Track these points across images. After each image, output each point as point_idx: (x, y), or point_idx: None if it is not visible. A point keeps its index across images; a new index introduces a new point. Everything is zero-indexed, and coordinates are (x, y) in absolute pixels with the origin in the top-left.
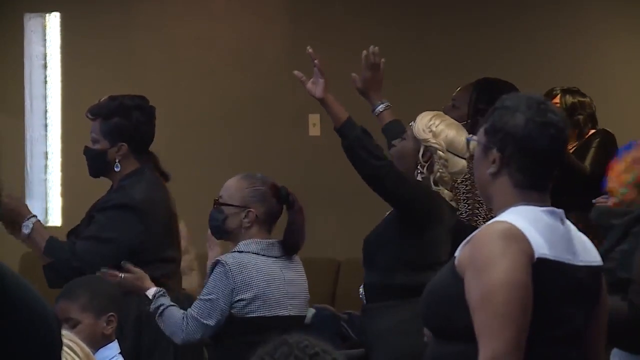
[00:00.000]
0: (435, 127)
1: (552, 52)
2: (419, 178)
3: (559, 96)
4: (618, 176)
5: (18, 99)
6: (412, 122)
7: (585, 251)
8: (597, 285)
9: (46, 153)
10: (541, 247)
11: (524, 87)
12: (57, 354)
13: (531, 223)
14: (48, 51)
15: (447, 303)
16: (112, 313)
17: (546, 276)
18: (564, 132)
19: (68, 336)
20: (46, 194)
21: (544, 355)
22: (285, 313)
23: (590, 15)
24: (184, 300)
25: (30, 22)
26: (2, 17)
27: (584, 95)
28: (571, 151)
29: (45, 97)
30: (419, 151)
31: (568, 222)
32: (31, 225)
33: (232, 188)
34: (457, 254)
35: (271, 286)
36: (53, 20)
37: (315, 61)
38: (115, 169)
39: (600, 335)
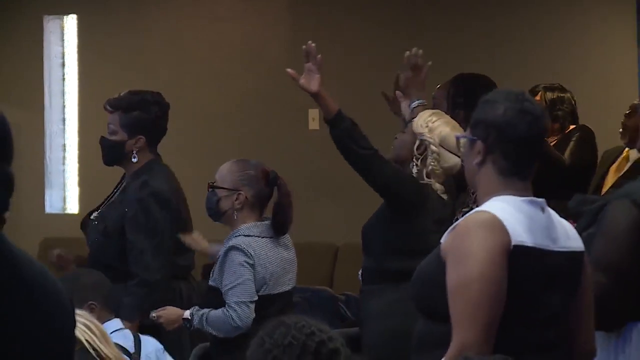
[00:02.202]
0: (432, 123)
1: (534, 50)
2: (414, 170)
3: (540, 93)
4: None
5: (38, 95)
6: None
7: (567, 237)
8: (579, 269)
9: (64, 145)
10: (519, 235)
11: (509, 83)
12: (71, 334)
13: (511, 212)
14: (66, 51)
15: (432, 287)
16: (92, 302)
17: (524, 261)
18: (541, 120)
19: (85, 316)
20: (64, 183)
21: (522, 336)
22: (287, 288)
23: (571, 11)
24: (202, 285)
25: (49, 24)
26: (23, 20)
27: (564, 91)
28: (552, 144)
29: (63, 93)
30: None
31: (549, 210)
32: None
33: (225, 172)
34: (442, 240)
35: (275, 265)
36: (70, 22)
37: (319, 56)
38: (133, 159)
39: (584, 316)
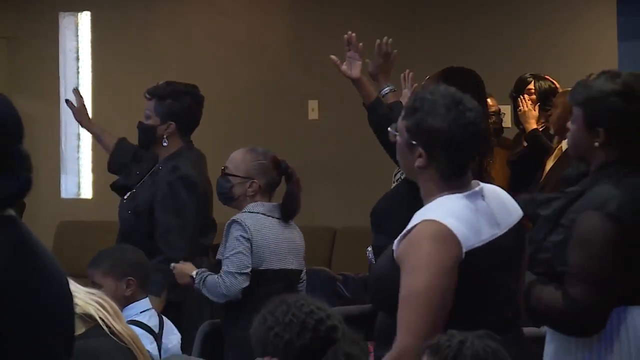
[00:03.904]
0: None
1: (520, 44)
2: None
3: (532, 82)
4: None
5: (54, 87)
6: None
7: (507, 213)
8: (522, 239)
9: (78, 134)
10: (468, 240)
11: (497, 74)
12: (71, 312)
13: (457, 216)
14: (80, 45)
15: (387, 287)
16: (131, 277)
17: (476, 261)
18: (481, 124)
19: (99, 294)
20: (79, 170)
21: (481, 321)
22: (290, 267)
23: (555, 7)
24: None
25: (65, 20)
26: (40, 16)
27: (552, 82)
28: (541, 130)
29: (77, 85)
30: None
31: (489, 193)
32: None
33: (238, 160)
34: (394, 246)
35: (278, 242)
36: (84, 19)
37: (360, 45)
38: (163, 144)
39: (521, 287)
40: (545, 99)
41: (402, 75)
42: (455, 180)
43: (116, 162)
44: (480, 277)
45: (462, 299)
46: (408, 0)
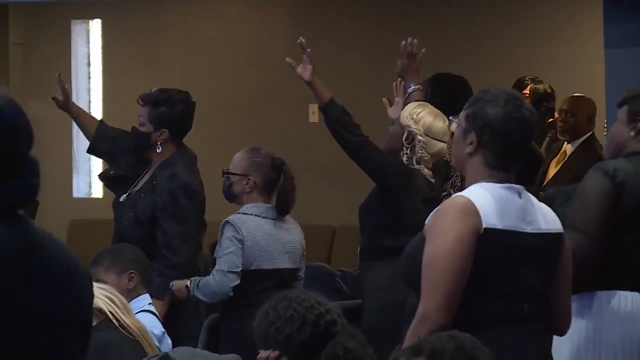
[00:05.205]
0: (416, 115)
1: (510, 49)
2: (404, 158)
3: (529, 86)
4: None
5: None
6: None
7: (545, 220)
8: (556, 249)
9: None
10: (491, 218)
11: (488, 76)
12: (89, 306)
13: (487, 198)
14: (91, 52)
15: (417, 264)
16: (132, 271)
17: (495, 242)
18: (534, 125)
19: (109, 289)
20: (90, 170)
21: (497, 308)
22: (282, 266)
23: (542, 11)
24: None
25: (76, 28)
26: (52, 24)
27: (549, 87)
28: None
29: (88, 90)
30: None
31: (527, 195)
32: None
33: (237, 159)
34: (426, 221)
35: (269, 243)
36: (95, 26)
37: (308, 50)
38: (157, 150)
39: (563, 294)
40: (537, 102)
41: (393, 83)
42: (497, 172)
43: (97, 148)
44: (492, 260)
45: (472, 278)
46: (406, 4)
